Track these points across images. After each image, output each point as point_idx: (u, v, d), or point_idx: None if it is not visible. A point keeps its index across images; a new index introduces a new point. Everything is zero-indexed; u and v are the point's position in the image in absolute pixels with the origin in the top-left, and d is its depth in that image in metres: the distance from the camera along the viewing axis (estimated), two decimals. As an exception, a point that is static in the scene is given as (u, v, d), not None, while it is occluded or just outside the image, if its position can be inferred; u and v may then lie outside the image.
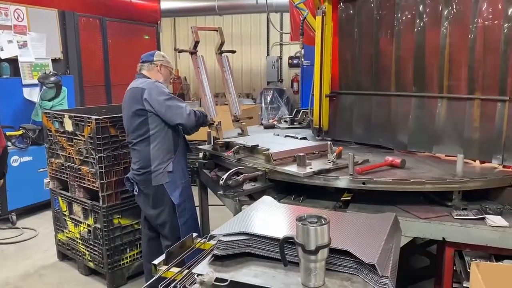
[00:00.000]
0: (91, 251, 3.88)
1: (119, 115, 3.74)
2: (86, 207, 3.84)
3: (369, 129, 3.64)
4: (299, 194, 2.89)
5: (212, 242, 1.92)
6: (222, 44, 4.01)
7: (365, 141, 3.67)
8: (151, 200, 3.32)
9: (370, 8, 3.50)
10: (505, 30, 2.73)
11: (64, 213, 4.14)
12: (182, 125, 3.27)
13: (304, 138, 3.67)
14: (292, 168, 2.80)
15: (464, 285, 2.31)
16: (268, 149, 3.04)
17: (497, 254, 2.35)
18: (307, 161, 2.84)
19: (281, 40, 12.19)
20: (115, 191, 3.73)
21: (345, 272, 1.54)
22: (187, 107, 3.28)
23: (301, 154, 2.85)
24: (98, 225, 3.76)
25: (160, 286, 1.58)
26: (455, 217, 2.47)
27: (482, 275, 1.64)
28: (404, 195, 2.69)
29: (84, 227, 3.92)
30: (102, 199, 3.66)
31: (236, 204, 2.89)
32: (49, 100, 5.69)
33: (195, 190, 3.63)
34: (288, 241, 1.52)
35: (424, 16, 3.16)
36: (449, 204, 2.61)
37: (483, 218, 2.42)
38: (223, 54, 4.06)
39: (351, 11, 3.66)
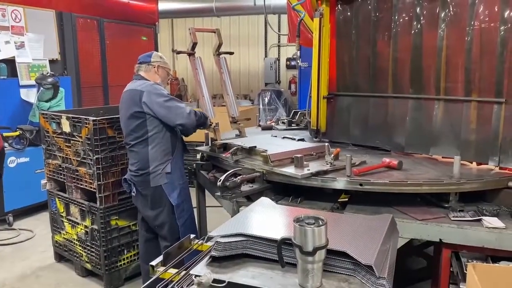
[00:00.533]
0: (88, 252, 3.87)
1: (117, 116, 3.73)
2: (83, 208, 3.84)
3: (366, 131, 3.65)
4: (297, 195, 2.90)
5: (209, 243, 1.92)
6: (220, 45, 4.02)
7: (363, 143, 3.68)
8: (149, 201, 3.32)
9: (368, 10, 3.51)
10: (502, 33, 2.75)
11: (61, 214, 4.13)
12: (182, 125, 3.25)
13: (302, 140, 3.67)
14: (290, 170, 2.80)
15: (461, 286, 2.32)
16: (266, 150, 3.04)
17: (494, 256, 2.36)
18: (305, 163, 2.85)
19: (279, 41, 12.20)
20: (112, 192, 3.72)
21: (342, 273, 1.55)
22: (187, 107, 3.29)
23: (299, 155, 2.85)
24: (95, 226, 3.75)
25: (158, 287, 1.58)
26: (452, 218, 2.48)
27: (478, 276, 1.65)
28: (401, 197, 2.70)
29: (81, 228, 3.91)
30: (99, 200, 3.66)
31: (234, 206, 2.90)
32: (47, 101, 5.67)
33: (192, 192, 3.63)
34: (285, 242, 1.52)
35: (421, 18, 3.17)
36: (446, 205, 2.63)
37: (480, 220, 2.43)
38: (221, 56, 4.07)
39: (349, 13, 3.68)
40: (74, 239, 4.03)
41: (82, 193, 3.91)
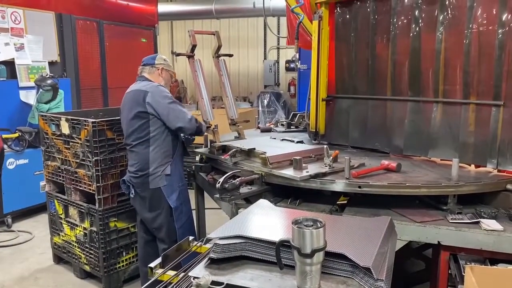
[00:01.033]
0: (87, 254, 3.87)
1: (116, 118, 3.74)
2: (82, 210, 3.84)
3: (365, 133, 3.66)
4: (296, 197, 2.90)
5: (208, 245, 1.92)
6: (219, 47, 4.03)
7: (361, 145, 3.69)
8: (148, 203, 3.32)
9: (366, 13, 3.52)
10: (500, 36, 2.76)
11: (60, 216, 4.13)
12: (182, 129, 3.29)
13: (301, 142, 3.68)
14: (289, 172, 2.81)
15: (459, 288, 2.33)
16: (265, 152, 3.05)
17: (492, 258, 2.36)
18: (304, 165, 2.85)
19: (278, 44, 12.22)
20: (111, 194, 3.72)
21: (340, 276, 1.55)
22: (189, 113, 3.33)
23: (298, 157, 2.86)
24: (94, 228, 3.75)
25: (156, 289, 1.59)
26: (450, 221, 2.48)
27: (476, 278, 1.65)
28: (399, 199, 2.71)
29: (80, 230, 3.91)
30: (98, 202, 3.66)
31: (233, 208, 2.90)
32: (46, 103, 5.68)
33: (191, 193, 3.63)
34: (284, 245, 1.53)
35: (420, 21, 3.18)
36: (444, 208, 2.63)
37: (478, 222, 2.44)
38: (220, 58, 4.08)
39: (348, 16, 3.69)
40: (73, 241, 4.03)
41: (81, 195, 3.91)
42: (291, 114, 4.89)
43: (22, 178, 5.39)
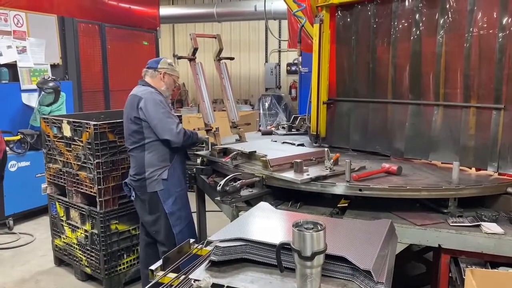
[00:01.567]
0: (88, 256, 3.88)
1: (118, 120, 3.76)
2: (84, 213, 3.84)
3: (366, 136, 3.67)
4: (296, 200, 2.91)
5: (209, 248, 1.93)
6: (220, 51, 4.04)
7: (362, 148, 3.70)
8: (147, 207, 3.34)
9: (367, 16, 3.53)
10: (500, 39, 2.76)
11: (62, 218, 4.14)
12: (169, 142, 3.24)
13: (302, 145, 3.69)
14: (289, 175, 2.81)
15: (460, 291, 2.33)
16: (266, 155, 3.06)
17: (493, 261, 2.36)
18: (304, 168, 2.86)
19: (280, 47, 12.25)
20: (112, 196, 3.73)
21: (340, 278, 1.55)
22: (179, 125, 3.28)
23: (298, 160, 2.86)
24: (95, 231, 3.76)
25: (157, 291, 1.59)
26: (451, 224, 2.48)
27: (477, 282, 1.65)
28: (400, 202, 2.71)
29: (81, 233, 3.92)
30: (99, 205, 3.67)
31: (233, 210, 2.90)
32: (48, 106, 5.69)
33: (192, 196, 3.63)
34: (284, 247, 1.53)
35: (421, 24, 3.19)
36: (445, 211, 2.63)
37: (479, 225, 2.44)
38: (221, 61, 4.09)
39: (349, 19, 3.70)
40: (74, 243, 4.03)
41: (83, 197, 3.92)
42: (292, 117, 4.90)
43: (23, 180, 5.40)
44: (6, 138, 5.27)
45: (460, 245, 2.41)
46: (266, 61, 12.48)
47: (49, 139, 4.14)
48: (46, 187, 4.31)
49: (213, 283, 1.52)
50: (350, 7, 3.65)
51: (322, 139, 3.88)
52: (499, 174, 2.86)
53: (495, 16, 2.80)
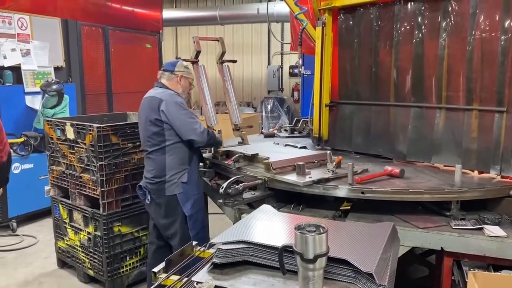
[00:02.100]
0: (91, 258, 3.89)
1: (121, 123, 3.77)
2: (87, 215, 3.86)
3: (368, 139, 3.67)
4: (299, 203, 2.91)
5: (211, 250, 1.93)
6: (223, 53, 4.05)
7: (365, 151, 3.70)
8: (163, 210, 3.28)
9: (370, 19, 3.54)
10: (502, 42, 2.77)
11: (65, 220, 4.16)
12: (194, 141, 3.25)
13: (304, 147, 3.69)
14: (292, 177, 2.82)
15: (462, 295, 2.32)
16: (268, 158, 3.06)
17: (495, 264, 2.36)
18: (307, 170, 2.86)
19: (282, 49, 12.26)
20: (115, 199, 3.74)
21: (343, 281, 1.56)
22: (202, 125, 3.30)
23: (301, 163, 2.87)
24: (98, 233, 3.77)
25: (160, 293, 1.60)
26: (453, 227, 2.48)
27: (479, 285, 1.65)
28: (402, 205, 2.71)
29: (84, 235, 3.93)
30: (102, 207, 3.68)
31: (236, 213, 2.91)
32: (51, 108, 5.72)
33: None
34: (286, 250, 1.54)
35: (423, 27, 3.20)
36: (448, 214, 2.63)
37: (481, 228, 2.44)
38: (224, 64, 4.10)
39: (351, 22, 3.71)
40: (77, 245, 4.04)
41: (86, 199, 3.93)
42: (295, 120, 4.90)
43: (27, 182, 5.42)
44: (10, 141, 5.28)
45: (463, 248, 2.41)
46: (269, 64, 12.49)
47: (52, 141, 4.16)
48: (50, 189, 4.32)
49: (215, 286, 1.52)
50: (352, 10, 3.66)
51: (324, 141, 3.89)
52: (502, 177, 2.86)
53: (497, 19, 2.80)
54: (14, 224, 5.34)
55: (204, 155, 3.72)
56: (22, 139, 5.49)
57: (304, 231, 1.49)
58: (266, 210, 2.22)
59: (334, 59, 3.82)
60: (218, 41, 4.06)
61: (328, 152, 3.07)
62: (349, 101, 3.81)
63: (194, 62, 3.79)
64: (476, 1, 2.88)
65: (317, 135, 3.87)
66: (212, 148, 3.62)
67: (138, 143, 3.81)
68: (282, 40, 11.13)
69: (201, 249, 1.98)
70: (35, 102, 5.87)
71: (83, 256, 3.99)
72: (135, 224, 3.89)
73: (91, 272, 3.94)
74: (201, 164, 3.78)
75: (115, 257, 3.79)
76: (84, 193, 3.87)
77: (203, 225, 3.45)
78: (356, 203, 2.91)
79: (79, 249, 4.02)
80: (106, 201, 3.67)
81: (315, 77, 3.80)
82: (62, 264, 4.38)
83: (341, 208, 2.89)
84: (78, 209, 3.96)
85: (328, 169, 2.92)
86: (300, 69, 4.23)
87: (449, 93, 3.12)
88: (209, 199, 3.79)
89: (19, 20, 5.90)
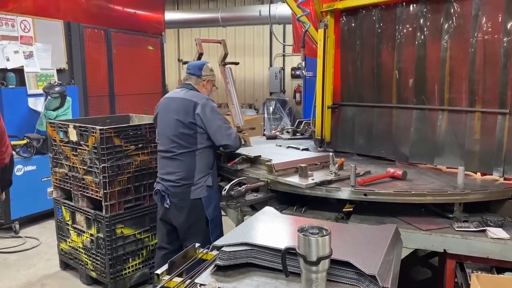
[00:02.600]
0: (94, 260, 3.89)
1: (123, 125, 3.78)
2: (89, 217, 3.86)
3: (370, 141, 3.67)
4: (301, 205, 2.91)
5: (214, 252, 1.93)
6: (225, 56, 4.06)
7: (367, 153, 3.70)
8: (185, 213, 3.21)
9: (372, 21, 3.54)
10: (505, 44, 2.77)
11: (67, 222, 4.16)
12: (226, 146, 3.23)
13: (306, 149, 3.69)
14: (294, 179, 2.82)
15: (466, 297, 2.32)
16: (271, 160, 3.07)
17: (498, 267, 2.35)
18: (309, 172, 2.86)
19: (284, 51, 12.27)
20: (118, 200, 3.74)
21: (346, 283, 1.55)
22: (234, 131, 3.30)
23: (303, 165, 2.87)
24: (101, 235, 3.77)
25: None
26: (456, 229, 2.48)
27: (482, 287, 1.65)
28: (405, 207, 2.71)
29: (87, 237, 3.94)
30: (105, 209, 3.68)
31: (238, 215, 2.92)
32: (54, 110, 5.73)
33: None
34: (289, 252, 1.54)
35: (425, 29, 3.20)
36: (450, 216, 2.63)
37: (484, 230, 2.44)
38: (226, 66, 4.11)
39: (353, 24, 3.71)
40: (79, 247, 4.05)
41: (88, 201, 3.94)
42: (297, 121, 4.90)
43: (29, 184, 5.43)
44: (13, 143, 5.29)
45: (466, 250, 2.40)
46: (271, 66, 12.50)
47: (55, 143, 4.17)
48: (52, 191, 4.33)
49: (218, 288, 1.53)
50: (354, 12, 3.67)
51: (326, 143, 3.89)
52: (505, 179, 2.85)
53: (499, 21, 2.80)
54: (17, 226, 5.36)
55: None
56: (25, 141, 5.50)
57: (307, 233, 1.49)
58: (268, 212, 2.22)
59: (336, 61, 3.83)
60: (221, 43, 4.07)
61: (331, 154, 3.07)
62: (352, 103, 3.81)
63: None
64: (478, 3, 2.88)
65: (320, 137, 3.87)
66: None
67: (140, 145, 3.82)
68: (284, 42, 11.14)
69: (204, 251, 1.99)
70: (37, 104, 5.89)
71: (85, 258, 3.99)
72: (138, 226, 3.90)
73: (93, 274, 3.95)
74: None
75: (117, 259, 3.79)
76: (87, 195, 3.87)
77: (221, 229, 3.39)
78: (358, 205, 2.91)
79: (82, 251, 4.02)
80: (108, 203, 3.68)
81: (317, 79, 3.80)
82: (65, 266, 4.38)
83: (343, 210, 2.89)
84: (81, 211, 3.97)
85: (330, 171, 2.92)
86: (303, 71, 4.22)
87: (452, 95, 3.11)
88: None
89: (22, 22, 5.93)
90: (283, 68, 12.31)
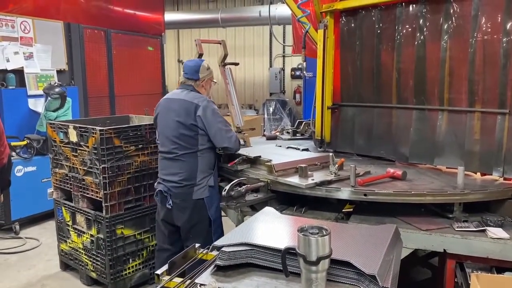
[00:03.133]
0: (94, 261, 3.89)
1: (123, 126, 3.78)
2: (90, 217, 3.86)
3: (370, 141, 3.67)
4: (301, 205, 2.92)
5: (214, 252, 1.94)
6: (225, 56, 4.07)
7: (367, 153, 3.70)
8: (188, 214, 3.21)
9: (371, 22, 3.55)
10: (504, 44, 2.77)
11: (67, 223, 4.16)
12: (227, 149, 3.26)
13: (306, 150, 3.70)
14: (294, 179, 2.82)
15: (466, 297, 2.32)
16: (271, 160, 3.07)
17: (498, 267, 2.36)
18: (309, 173, 2.87)
19: (284, 52, 12.28)
20: (118, 201, 3.74)
21: (346, 283, 1.56)
22: (234, 133, 3.33)
23: (303, 165, 2.87)
24: (101, 235, 3.78)
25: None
26: (456, 229, 2.48)
27: (482, 286, 1.65)
28: (405, 207, 2.71)
29: (87, 237, 3.94)
30: (105, 209, 3.68)
31: (239, 215, 2.92)
32: (54, 111, 5.73)
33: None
34: (289, 252, 1.54)
35: (425, 29, 3.21)
36: (450, 216, 2.63)
37: (484, 230, 2.44)
38: (226, 66, 4.12)
39: (353, 25, 3.72)
40: (79, 248, 4.05)
41: (88, 202, 3.94)
42: (297, 122, 4.90)
43: (30, 185, 5.43)
44: (13, 143, 5.31)
45: (466, 250, 2.40)
46: (271, 66, 12.51)
47: (55, 144, 4.17)
48: (52, 192, 4.34)
49: (218, 288, 1.53)
50: (354, 12, 3.67)
51: (326, 144, 3.89)
52: (505, 179, 2.86)
53: (499, 21, 2.81)
54: (17, 227, 5.36)
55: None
56: (25, 142, 5.50)
57: (307, 233, 1.49)
58: (268, 212, 2.22)
59: (336, 61, 3.83)
60: (220, 43, 4.08)
61: (331, 154, 3.07)
62: (351, 103, 3.82)
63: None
64: (478, 3, 2.89)
65: (319, 138, 3.88)
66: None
67: (140, 146, 3.82)
68: (284, 42, 11.15)
69: (204, 252, 1.99)
70: (38, 105, 5.89)
71: (86, 258, 3.99)
72: (138, 227, 3.90)
73: (93, 275, 3.95)
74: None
75: (117, 259, 3.79)
76: (87, 195, 3.87)
77: (221, 229, 3.39)
78: (358, 205, 2.91)
79: (82, 251, 4.02)
80: (109, 204, 3.68)
81: (317, 79, 3.80)
82: (65, 266, 4.39)
83: (343, 210, 2.89)
84: (81, 211, 3.97)
85: (330, 171, 2.92)
86: (304, 72, 4.22)
87: (451, 95, 3.12)
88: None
89: (22, 23, 5.93)
90: (283, 69, 12.32)
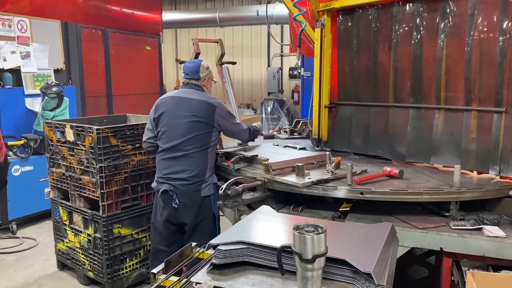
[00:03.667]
0: (91, 260, 3.89)
1: (120, 125, 3.77)
2: (86, 217, 3.86)
3: (367, 140, 3.67)
4: (298, 204, 2.92)
5: (210, 251, 1.93)
6: (222, 55, 4.07)
7: (364, 152, 3.70)
8: (195, 211, 3.18)
9: (368, 21, 3.55)
10: (500, 43, 2.78)
11: (64, 222, 4.16)
12: (246, 141, 3.60)
13: (303, 148, 3.70)
14: (291, 178, 2.82)
15: (462, 295, 2.32)
16: (268, 159, 3.07)
17: (495, 265, 2.36)
18: (306, 171, 2.86)
19: (282, 51, 12.29)
20: (115, 200, 3.74)
21: (341, 281, 1.56)
22: (245, 126, 3.52)
23: (300, 164, 2.87)
24: (98, 235, 3.77)
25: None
26: (453, 227, 2.49)
27: (477, 284, 1.66)
28: (402, 205, 2.71)
29: (84, 237, 3.93)
30: (102, 209, 3.68)
31: (235, 214, 2.92)
32: (51, 110, 5.72)
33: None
34: (285, 250, 1.54)
35: (421, 28, 3.21)
36: (447, 214, 2.64)
37: (480, 229, 2.44)
38: (223, 65, 4.11)
39: (350, 24, 3.72)
40: (77, 247, 4.04)
41: (85, 201, 3.93)
42: (294, 121, 4.90)
43: (27, 184, 5.42)
44: (10, 143, 5.30)
45: (462, 249, 2.41)
46: (268, 66, 12.52)
47: (52, 143, 4.16)
48: (49, 191, 4.32)
49: (214, 286, 1.53)
50: (351, 11, 3.67)
51: (324, 143, 3.89)
52: (501, 177, 2.86)
53: (495, 20, 2.82)
54: (14, 227, 5.34)
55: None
56: (22, 142, 5.49)
57: (303, 231, 1.49)
58: (265, 211, 2.22)
59: (333, 60, 3.83)
60: (217, 43, 4.08)
61: (328, 153, 3.08)
62: (348, 102, 3.82)
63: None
64: (474, 2, 2.90)
65: (317, 136, 3.88)
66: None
67: (137, 145, 3.82)
68: (282, 42, 11.15)
69: (200, 250, 1.99)
70: (35, 105, 5.88)
71: (83, 258, 3.99)
72: (135, 226, 3.89)
73: (91, 274, 3.94)
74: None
75: (115, 259, 3.79)
76: (84, 195, 3.87)
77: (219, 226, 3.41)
78: (355, 204, 2.92)
79: (79, 251, 4.02)
80: (106, 203, 3.67)
81: (314, 78, 3.80)
82: (62, 266, 4.38)
83: (340, 209, 2.89)
84: (78, 211, 3.96)
85: (327, 170, 2.92)
86: (300, 71, 4.24)
87: (448, 94, 3.12)
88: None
89: (19, 22, 5.91)
90: (281, 68, 12.33)
